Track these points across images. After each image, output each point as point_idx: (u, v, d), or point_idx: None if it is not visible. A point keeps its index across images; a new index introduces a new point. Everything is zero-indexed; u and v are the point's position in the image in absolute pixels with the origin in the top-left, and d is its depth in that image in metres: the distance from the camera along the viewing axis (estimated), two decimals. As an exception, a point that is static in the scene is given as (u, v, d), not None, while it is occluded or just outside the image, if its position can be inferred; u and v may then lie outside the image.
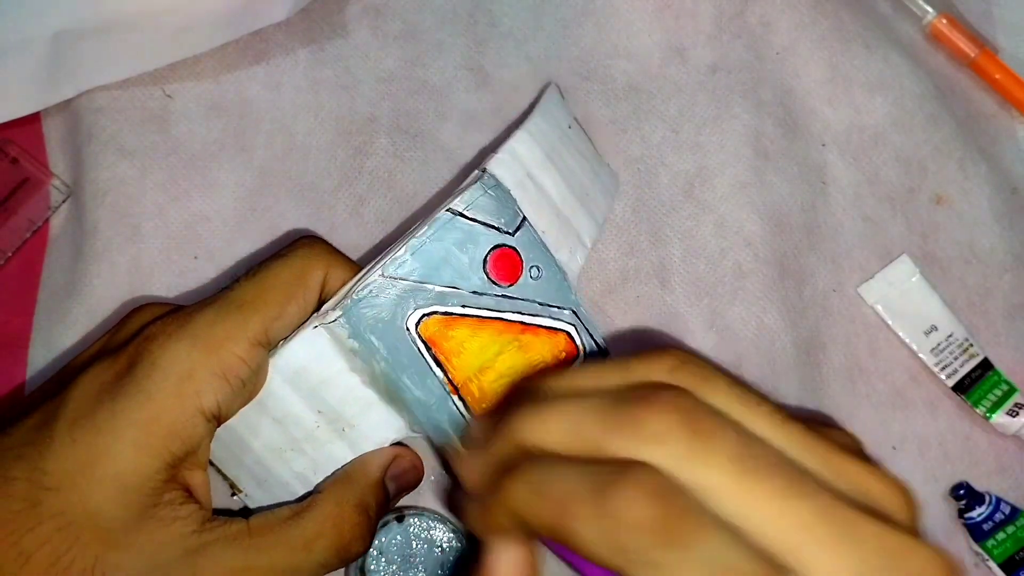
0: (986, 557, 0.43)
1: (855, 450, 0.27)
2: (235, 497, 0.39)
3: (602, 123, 0.48)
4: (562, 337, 0.38)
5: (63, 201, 0.45)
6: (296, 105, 0.46)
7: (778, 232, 0.47)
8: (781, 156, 0.48)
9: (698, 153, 0.48)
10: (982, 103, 0.50)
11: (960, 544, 0.44)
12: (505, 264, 0.37)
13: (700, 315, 0.45)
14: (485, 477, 0.29)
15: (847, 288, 0.47)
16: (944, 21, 0.49)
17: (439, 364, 0.36)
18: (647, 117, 0.48)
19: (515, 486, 0.27)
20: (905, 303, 0.47)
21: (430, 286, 0.36)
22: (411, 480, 0.40)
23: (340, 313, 0.35)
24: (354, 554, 0.36)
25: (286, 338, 0.36)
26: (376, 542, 0.39)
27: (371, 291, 0.35)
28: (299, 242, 0.38)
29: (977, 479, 0.45)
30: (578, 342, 0.39)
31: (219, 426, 0.35)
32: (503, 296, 0.37)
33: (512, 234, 0.37)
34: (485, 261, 0.36)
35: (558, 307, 0.38)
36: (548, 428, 0.28)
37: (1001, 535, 0.43)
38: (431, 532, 0.40)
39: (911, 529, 0.26)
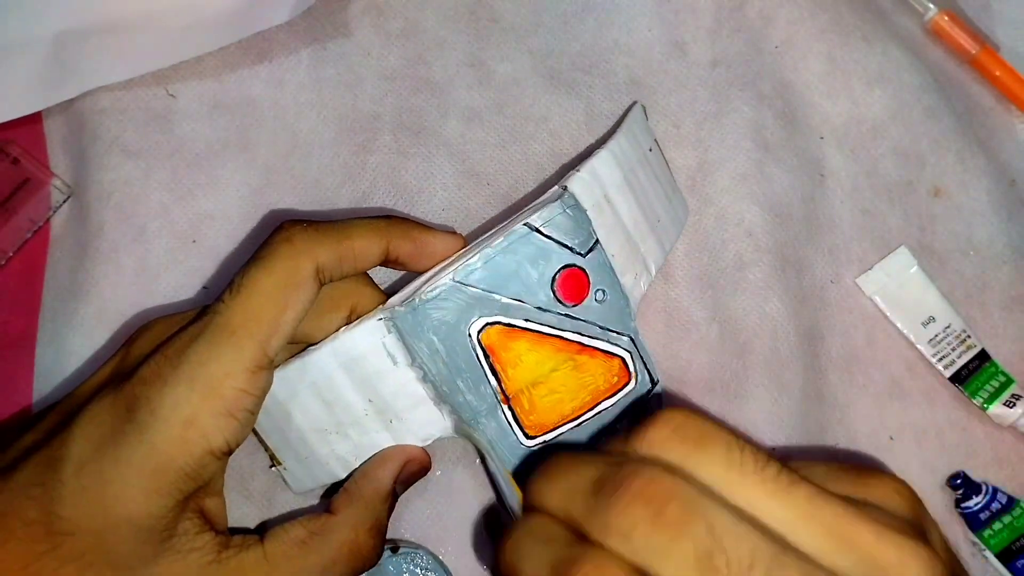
0: (983, 547, 0.44)
1: (886, 507, 0.26)
2: (273, 469, 0.40)
3: (603, 118, 0.48)
4: (617, 362, 0.39)
5: (64, 201, 0.45)
6: (299, 103, 0.46)
7: (779, 223, 0.47)
8: (781, 148, 0.48)
9: (699, 147, 0.48)
10: (980, 96, 0.51)
11: (957, 534, 0.45)
12: (573, 284, 0.37)
13: (703, 307, 0.46)
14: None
15: (845, 279, 0.48)
16: (946, 18, 0.49)
17: (495, 373, 0.37)
18: (648, 111, 0.48)
19: (504, 545, 0.28)
20: (903, 294, 0.47)
21: (497, 296, 0.36)
22: (418, 478, 0.40)
23: (406, 310, 0.36)
24: (367, 569, 0.37)
25: (349, 325, 0.37)
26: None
27: (440, 294, 0.36)
28: (276, 237, 0.36)
29: (974, 469, 0.46)
30: (632, 369, 0.39)
31: (231, 454, 0.35)
32: (566, 315, 0.37)
33: (584, 255, 0.38)
34: (554, 279, 0.37)
35: (617, 332, 0.39)
36: (550, 493, 0.28)
37: (997, 525, 0.44)
38: (426, 572, 0.40)
39: None
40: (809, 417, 0.45)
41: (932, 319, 0.47)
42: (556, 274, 0.37)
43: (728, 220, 0.47)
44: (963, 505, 0.44)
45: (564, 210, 0.37)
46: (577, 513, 0.26)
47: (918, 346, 0.47)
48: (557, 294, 0.37)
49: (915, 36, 0.51)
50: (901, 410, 0.46)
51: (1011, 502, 0.44)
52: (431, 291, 0.36)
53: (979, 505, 0.44)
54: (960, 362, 0.46)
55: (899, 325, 0.47)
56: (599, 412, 0.38)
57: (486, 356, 0.36)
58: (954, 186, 0.49)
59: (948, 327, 0.47)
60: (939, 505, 0.45)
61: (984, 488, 0.45)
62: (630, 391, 0.39)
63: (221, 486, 0.36)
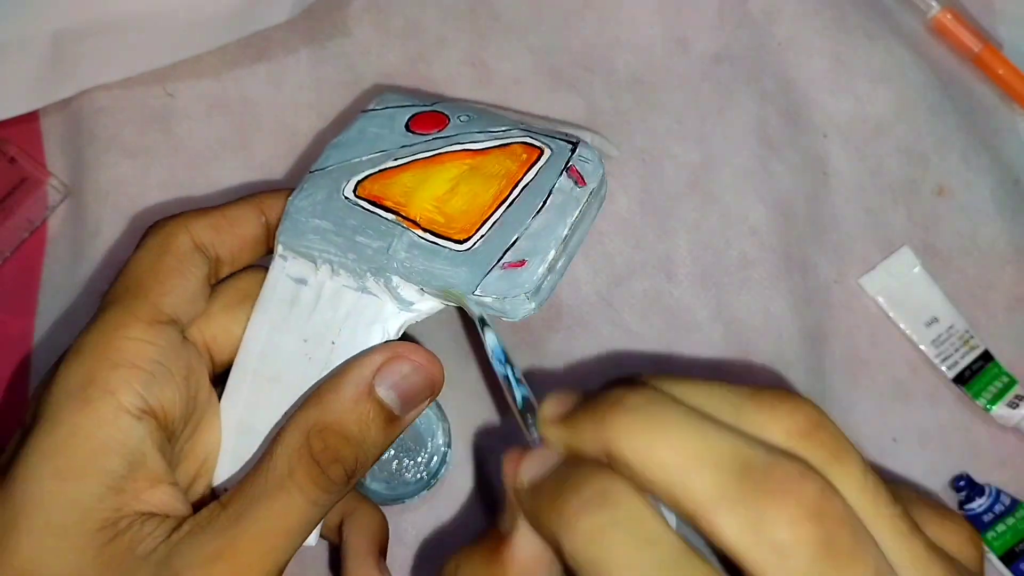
0: (986, 549, 0.44)
1: (962, 557, 0.25)
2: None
3: (605, 115, 0.47)
4: (517, 147, 0.35)
5: (61, 201, 0.45)
6: (298, 103, 0.46)
7: (783, 221, 0.47)
8: (785, 146, 0.48)
9: (703, 144, 0.48)
10: (984, 95, 0.50)
11: (960, 534, 0.45)
12: (429, 119, 0.36)
13: (707, 306, 0.46)
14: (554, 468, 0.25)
15: (848, 279, 0.47)
16: (948, 16, 0.49)
17: (389, 211, 0.34)
18: (651, 109, 0.48)
19: (577, 532, 0.23)
20: (906, 295, 0.47)
21: (356, 159, 0.35)
22: (419, 385, 0.32)
23: (283, 224, 0.34)
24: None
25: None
26: None
27: (303, 189, 0.34)
28: (147, 230, 0.34)
29: (977, 471, 0.45)
30: (538, 144, 0.34)
31: (165, 423, 0.31)
32: (435, 138, 0.35)
33: (431, 105, 0.37)
34: (407, 124, 0.36)
35: (502, 129, 0.35)
36: (654, 459, 0.22)
37: (1001, 527, 0.44)
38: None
39: None
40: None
41: (935, 320, 0.47)
42: (408, 120, 0.36)
43: (732, 218, 0.47)
44: (966, 507, 0.44)
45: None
46: (707, 498, 0.21)
47: (921, 347, 0.46)
48: (415, 131, 0.35)
49: (917, 34, 0.50)
50: (904, 411, 0.46)
51: (1014, 504, 0.44)
52: (294, 194, 0.34)
53: (982, 507, 0.44)
54: (963, 363, 0.46)
55: (902, 326, 0.47)
56: (525, 187, 0.33)
57: (373, 204, 0.34)
58: (958, 185, 0.48)
59: (951, 328, 0.46)
60: (942, 507, 0.45)
61: (987, 490, 0.44)
62: (549, 158, 0.34)
63: (164, 470, 0.30)
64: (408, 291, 0.33)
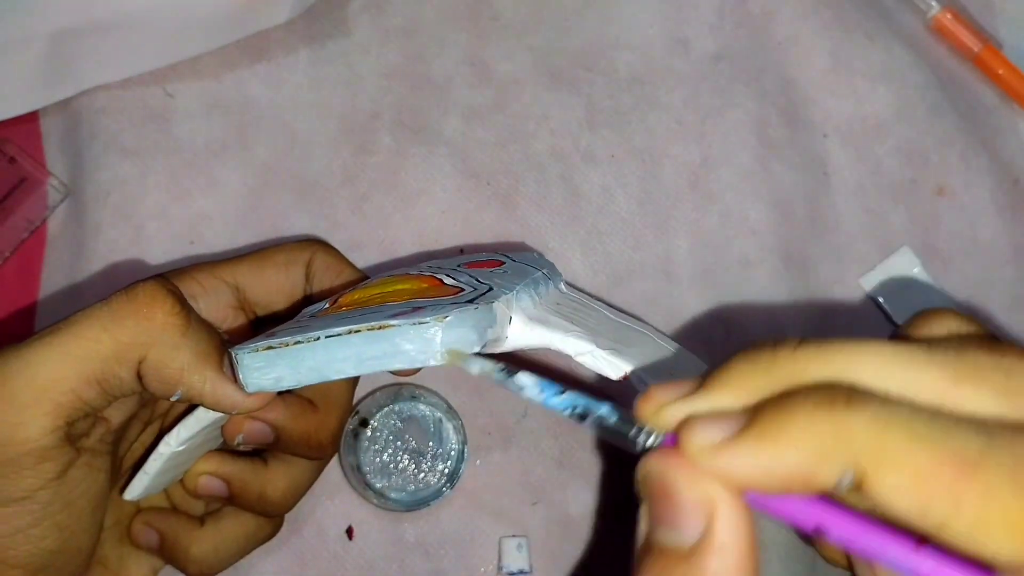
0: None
1: None
2: None
3: (605, 115, 0.47)
4: (426, 279, 0.36)
5: (61, 201, 0.45)
6: (298, 102, 0.46)
7: (783, 221, 0.47)
8: (785, 145, 0.48)
9: (703, 143, 0.48)
10: (983, 95, 0.50)
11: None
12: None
13: (707, 306, 0.46)
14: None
15: (848, 279, 0.47)
16: (948, 16, 0.49)
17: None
18: (651, 108, 0.48)
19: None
20: (906, 295, 0.47)
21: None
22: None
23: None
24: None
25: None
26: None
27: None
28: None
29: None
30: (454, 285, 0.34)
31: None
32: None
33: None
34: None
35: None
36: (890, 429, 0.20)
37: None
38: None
39: None
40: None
41: (935, 319, 0.47)
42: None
43: (732, 217, 0.47)
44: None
45: None
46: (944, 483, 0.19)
47: (921, 346, 0.46)
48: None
49: (918, 34, 0.50)
50: (904, 411, 0.46)
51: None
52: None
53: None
54: (963, 363, 0.46)
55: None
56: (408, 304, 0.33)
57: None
58: (958, 185, 0.48)
59: (951, 327, 0.46)
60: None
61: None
62: (456, 297, 0.33)
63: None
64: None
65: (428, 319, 0.29)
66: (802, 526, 0.22)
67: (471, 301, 0.31)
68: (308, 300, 0.38)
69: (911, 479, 0.19)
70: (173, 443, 0.34)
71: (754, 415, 0.21)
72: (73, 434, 0.31)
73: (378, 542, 0.43)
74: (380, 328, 0.29)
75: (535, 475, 0.44)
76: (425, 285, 0.35)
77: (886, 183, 0.48)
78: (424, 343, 0.29)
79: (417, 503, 0.42)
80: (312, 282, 0.38)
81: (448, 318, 0.29)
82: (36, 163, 0.45)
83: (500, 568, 0.42)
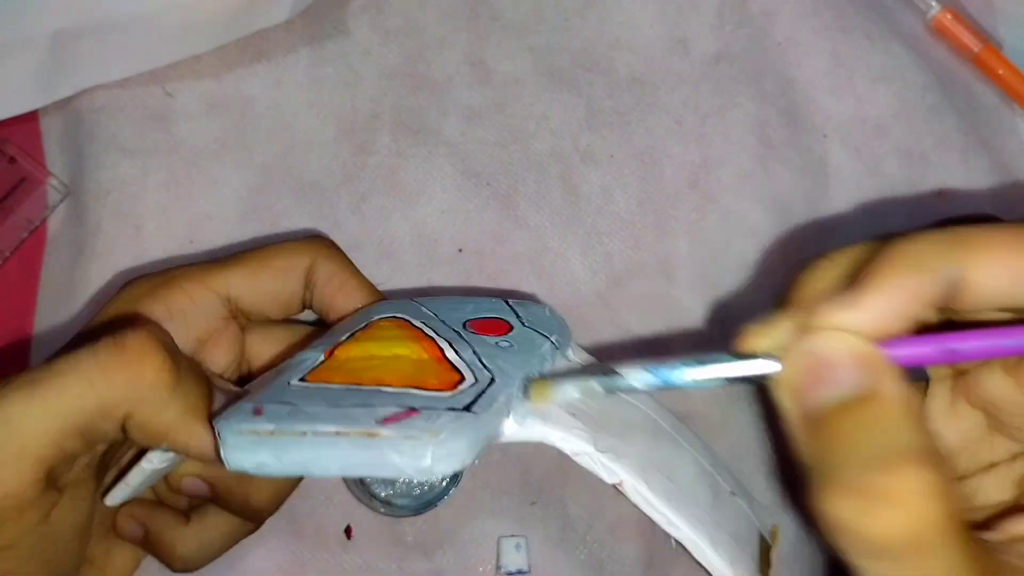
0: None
1: None
2: None
3: (605, 116, 0.47)
4: (427, 344, 0.35)
5: (61, 201, 0.45)
6: (297, 102, 0.46)
7: (782, 222, 0.47)
8: (785, 146, 0.48)
9: (702, 144, 0.48)
10: (983, 95, 0.50)
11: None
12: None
13: (707, 308, 0.46)
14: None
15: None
16: (948, 16, 0.49)
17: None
18: (651, 108, 0.48)
19: None
20: (906, 295, 0.47)
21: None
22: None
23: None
24: None
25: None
26: None
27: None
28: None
29: (978, 471, 0.45)
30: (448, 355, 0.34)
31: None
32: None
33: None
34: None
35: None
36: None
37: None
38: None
39: None
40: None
41: (936, 320, 0.47)
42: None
43: (732, 218, 0.47)
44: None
45: None
46: None
47: (921, 347, 0.46)
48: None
49: (918, 34, 0.50)
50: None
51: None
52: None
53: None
54: (964, 363, 0.46)
55: (902, 325, 0.47)
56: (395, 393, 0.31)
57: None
58: (958, 185, 0.48)
59: (952, 328, 0.46)
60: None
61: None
62: (454, 394, 0.31)
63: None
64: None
65: (421, 434, 0.28)
66: (932, 360, 0.26)
67: (469, 406, 0.30)
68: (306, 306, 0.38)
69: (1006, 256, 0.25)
70: (155, 460, 0.34)
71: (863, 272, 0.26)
72: (54, 478, 0.31)
73: (377, 542, 0.43)
74: (369, 436, 0.28)
75: (534, 475, 0.44)
76: (426, 356, 0.33)
77: (887, 184, 0.48)
78: (414, 459, 0.28)
79: (424, 506, 0.42)
80: (312, 291, 0.38)
81: (442, 435, 0.28)
82: (36, 163, 0.45)
83: (499, 568, 0.42)
